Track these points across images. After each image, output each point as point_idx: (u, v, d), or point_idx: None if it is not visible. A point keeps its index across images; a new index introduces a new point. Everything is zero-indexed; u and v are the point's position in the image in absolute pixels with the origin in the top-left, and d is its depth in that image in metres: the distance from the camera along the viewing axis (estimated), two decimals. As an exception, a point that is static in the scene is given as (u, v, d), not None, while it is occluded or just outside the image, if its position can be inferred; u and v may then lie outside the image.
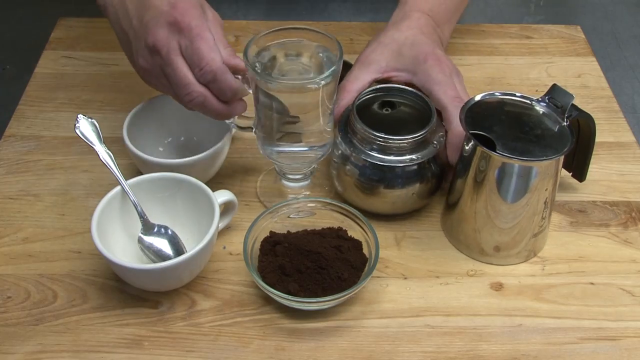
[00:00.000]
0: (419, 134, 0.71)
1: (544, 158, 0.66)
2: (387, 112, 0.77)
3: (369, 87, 0.78)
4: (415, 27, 0.81)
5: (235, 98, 0.70)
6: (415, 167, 0.72)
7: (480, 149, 0.66)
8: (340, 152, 0.75)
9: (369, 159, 0.72)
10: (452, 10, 0.88)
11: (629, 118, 0.94)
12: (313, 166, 0.77)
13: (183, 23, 0.67)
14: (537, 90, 0.94)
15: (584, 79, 0.97)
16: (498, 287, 0.71)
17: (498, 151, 0.65)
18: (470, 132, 0.67)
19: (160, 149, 0.82)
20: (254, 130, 0.74)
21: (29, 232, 0.75)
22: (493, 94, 0.71)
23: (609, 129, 0.88)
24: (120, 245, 0.70)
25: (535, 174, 0.67)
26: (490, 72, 0.97)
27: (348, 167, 0.74)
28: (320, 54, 0.71)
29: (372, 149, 0.72)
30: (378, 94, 0.77)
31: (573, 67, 0.99)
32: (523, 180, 0.67)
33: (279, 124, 0.71)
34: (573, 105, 0.69)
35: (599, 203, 0.80)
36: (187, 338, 0.66)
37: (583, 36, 1.04)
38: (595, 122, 0.73)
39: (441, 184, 0.76)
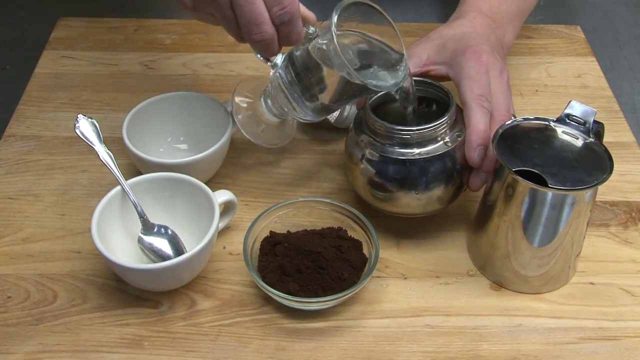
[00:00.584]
0: (424, 127, 0.68)
1: (595, 183, 0.63)
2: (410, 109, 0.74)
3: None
4: (469, 25, 0.78)
5: (294, 44, 0.67)
6: (428, 166, 0.69)
7: (538, 190, 0.64)
8: (355, 150, 0.72)
9: (382, 153, 0.69)
10: (514, 11, 0.84)
11: (629, 118, 0.94)
12: (291, 118, 0.76)
13: None
14: (537, 91, 0.94)
15: (584, 79, 0.97)
16: (498, 287, 0.71)
17: (552, 185, 0.63)
18: (515, 170, 0.64)
19: (160, 149, 0.82)
20: (275, 63, 0.72)
21: (29, 232, 0.75)
22: (514, 122, 0.69)
23: (609, 129, 0.87)
24: (120, 245, 0.70)
25: (586, 199, 0.65)
26: (490, 72, 0.97)
27: (362, 166, 0.71)
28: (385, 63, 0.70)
29: (391, 144, 0.69)
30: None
31: (573, 67, 0.99)
32: (576, 207, 0.65)
33: (307, 81, 0.70)
34: (594, 120, 0.68)
35: (599, 203, 0.80)
36: (187, 338, 0.66)
37: (583, 36, 1.04)
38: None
39: (462, 188, 0.73)
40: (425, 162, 0.69)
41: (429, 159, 0.69)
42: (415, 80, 0.73)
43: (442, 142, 0.69)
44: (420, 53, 0.77)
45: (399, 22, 1.05)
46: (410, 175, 0.69)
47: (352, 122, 0.74)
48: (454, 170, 0.70)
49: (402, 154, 0.69)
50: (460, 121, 0.71)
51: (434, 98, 0.75)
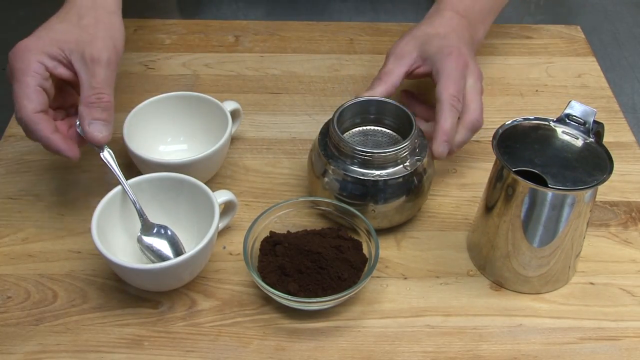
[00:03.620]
0: (386, 150, 0.70)
1: (595, 183, 0.63)
2: (369, 128, 0.78)
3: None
4: (448, 25, 0.82)
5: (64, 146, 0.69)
6: (386, 188, 0.71)
7: (539, 190, 0.64)
8: (318, 164, 0.74)
9: (344, 171, 0.71)
10: (486, 10, 0.88)
11: (629, 118, 0.95)
12: None
13: (11, 66, 0.68)
14: (537, 91, 0.94)
15: (584, 79, 0.97)
16: (498, 287, 0.71)
17: (552, 186, 0.63)
18: (515, 170, 0.64)
19: (160, 148, 0.82)
20: None
21: (29, 232, 0.75)
22: (514, 122, 0.69)
23: (609, 129, 0.88)
24: (120, 245, 0.70)
25: (586, 199, 0.65)
26: (490, 72, 0.97)
27: (326, 180, 0.73)
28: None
29: (352, 163, 0.71)
30: (359, 106, 0.77)
31: (573, 67, 0.99)
32: (576, 207, 0.65)
33: None
34: (594, 120, 0.68)
35: (599, 203, 0.80)
36: (187, 338, 0.66)
37: (583, 36, 1.04)
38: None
39: (418, 208, 0.76)
40: (383, 183, 0.71)
41: (388, 181, 0.71)
42: (381, 101, 0.76)
43: (402, 165, 0.71)
44: (411, 51, 0.80)
45: (399, 22, 1.06)
46: (367, 194, 0.71)
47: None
48: (410, 191, 0.72)
49: (363, 174, 0.71)
50: (422, 146, 0.74)
51: (398, 120, 0.77)
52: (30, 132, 0.69)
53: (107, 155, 0.72)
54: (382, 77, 0.79)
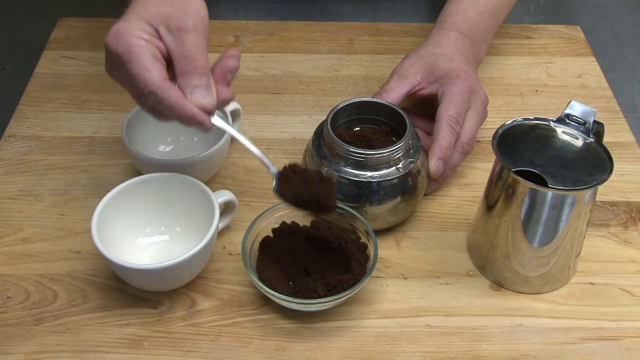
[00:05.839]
0: (379, 151, 0.70)
1: (595, 183, 0.63)
2: (359, 129, 0.78)
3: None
4: (454, 46, 0.83)
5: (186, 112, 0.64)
6: (379, 189, 0.71)
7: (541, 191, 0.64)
8: (311, 164, 0.74)
9: (337, 172, 0.71)
10: (488, 29, 0.89)
11: (629, 118, 0.95)
12: None
13: (114, 54, 0.64)
14: (537, 91, 0.94)
15: (584, 79, 0.97)
16: (498, 287, 0.71)
17: (552, 186, 0.63)
18: (515, 170, 0.64)
19: (160, 149, 0.82)
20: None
21: (29, 232, 0.75)
22: (514, 122, 0.69)
23: (609, 129, 0.87)
24: (120, 245, 0.70)
25: (586, 199, 0.65)
26: (490, 72, 0.97)
27: None
28: None
29: (346, 164, 0.71)
30: (354, 107, 0.76)
31: (573, 67, 0.99)
32: (576, 207, 0.65)
33: None
34: (594, 120, 0.68)
35: (598, 203, 0.80)
36: (187, 338, 0.66)
37: (583, 36, 1.04)
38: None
39: (410, 210, 0.75)
40: (377, 185, 0.71)
41: (380, 182, 0.71)
42: (375, 103, 0.77)
43: (394, 167, 0.71)
44: (416, 73, 0.80)
45: (399, 22, 1.06)
46: (361, 195, 0.71)
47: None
48: (404, 193, 0.72)
49: (356, 175, 0.71)
50: (416, 147, 0.73)
51: (393, 122, 0.76)
52: (160, 103, 0.63)
53: (216, 120, 0.67)
54: (383, 93, 0.79)
